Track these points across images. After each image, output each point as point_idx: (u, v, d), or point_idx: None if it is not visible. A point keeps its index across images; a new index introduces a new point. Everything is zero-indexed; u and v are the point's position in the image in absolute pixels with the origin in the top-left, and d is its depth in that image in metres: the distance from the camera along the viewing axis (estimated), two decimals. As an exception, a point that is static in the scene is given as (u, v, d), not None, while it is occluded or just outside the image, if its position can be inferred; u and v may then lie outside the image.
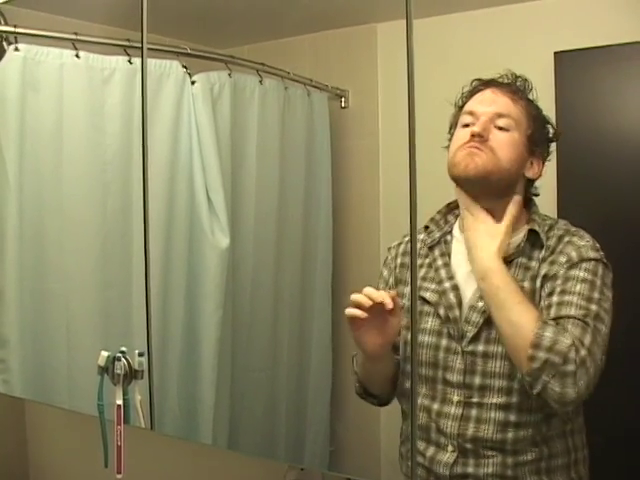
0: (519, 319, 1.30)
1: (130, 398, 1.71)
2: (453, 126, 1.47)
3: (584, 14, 1.44)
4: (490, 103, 1.42)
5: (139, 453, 1.77)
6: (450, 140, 1.46)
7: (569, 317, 1.29)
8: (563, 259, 1.35)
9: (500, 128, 1.40)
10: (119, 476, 1.70)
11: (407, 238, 1.51)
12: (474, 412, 1.39)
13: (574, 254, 1.35)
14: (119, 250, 1.98)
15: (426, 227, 1.52)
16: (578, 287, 1.32)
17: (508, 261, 1.38)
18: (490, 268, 1.35)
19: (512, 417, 1.36)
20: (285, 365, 1.90)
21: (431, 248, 1.50)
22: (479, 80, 1.46)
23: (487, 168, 1.39)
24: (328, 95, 1.84)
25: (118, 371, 1.69)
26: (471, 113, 1.43)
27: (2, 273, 2.03)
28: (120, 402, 1.68)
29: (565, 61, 1.45)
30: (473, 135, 1.40)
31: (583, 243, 1.36)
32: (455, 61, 1.58)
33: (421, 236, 1.51)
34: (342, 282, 1.82)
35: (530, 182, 1.43)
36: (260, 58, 1.89)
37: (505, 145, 1.39)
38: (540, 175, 1.42)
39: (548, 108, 1.43)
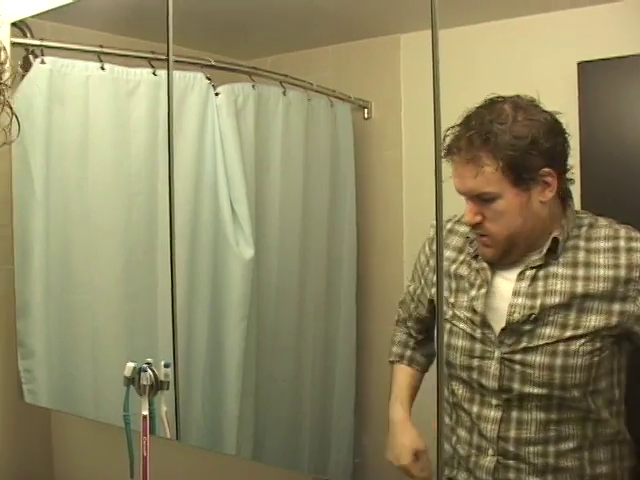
0: None
1: (156, 409, 1.71)
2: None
3: (608, 24, 1.42)
4: (461, 183, 1.40)
5: (164, 463, 1.77)
6: None
7: None
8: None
9: (486, 200, 1.38)
10: (144, 487, 1.70)
11: (450, 225, 1.53)
12: (514, 414, 1.40)
13: None
14: (144, 261, 1.99)
15: (467, 237, 1.50)
16: None
17: (531, 267, 1.40)
18: None
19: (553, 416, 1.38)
20: (309, 375, 1.90)
21: (476, 257, 1.48)
22: (448, 134, 1.42)
23: (500, 249, 1.42)
24: (351, 106, 1.83)
25: (144, 382, 1.69)
26: (456, 189, 1.42)
27: (28, 284, 2.05)
28: (146, 413, 1.68)
29: (588, 71, 1.42)
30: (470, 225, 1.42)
31: None
32: (477, 72, 1.57)
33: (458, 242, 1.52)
34: (366, 292, 1.81)
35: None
36: (283, 69, 1.89)
37: (500, 217, 1.38)
38: (556, 187, 1.37)
39: (571, 118, 1.39)
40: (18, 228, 2.05)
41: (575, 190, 1.42)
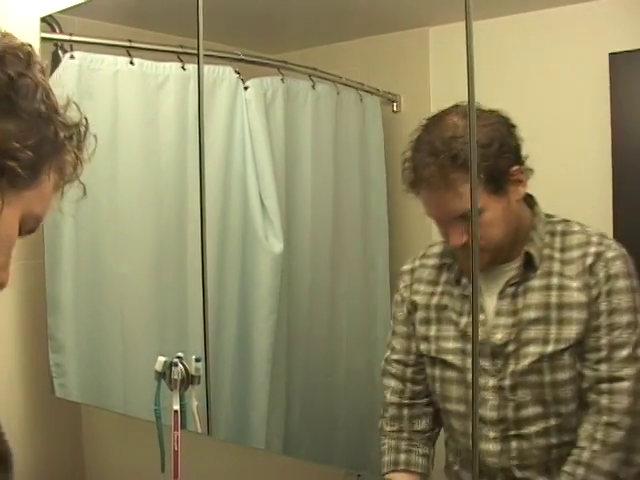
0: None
1: (187, 403, 1.71)
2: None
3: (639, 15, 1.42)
4: (440, 210, 1.38)
5: (195, 458, 1.77)
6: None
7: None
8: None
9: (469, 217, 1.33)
10: (176, 481, 1.70)
11: (418, 262, 1.51)
12: (514, 444, 1.36)
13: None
14: (174, 256, 2.00)
15: (443, 263, 1.46)
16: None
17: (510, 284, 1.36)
18: None
19: (554, 440, 1.33)
20: (343, 370, 1.89)
21: (457, 282, 1.44)
22: (407, 167, 1.41)
23: (487, 259, 1.36)
24: (380, 100, 1.82)
25: (175, 376, 1.68)
26: (432, 218, 1.40)
27: (59, 279, 2.06)
28: (177, 408, 1.68)
29: (620, 62, 1.41)
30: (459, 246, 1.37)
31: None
32: (508, 64, 1.56)
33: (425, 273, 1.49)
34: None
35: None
36: (312, 63, 1.88)
37: (488, 228, 1.34)
38: (526, 179, 1.34)
39: (603, 110, 1.40)
40: (48, 222, 2.06)
41: (607, 181, 1.40)
